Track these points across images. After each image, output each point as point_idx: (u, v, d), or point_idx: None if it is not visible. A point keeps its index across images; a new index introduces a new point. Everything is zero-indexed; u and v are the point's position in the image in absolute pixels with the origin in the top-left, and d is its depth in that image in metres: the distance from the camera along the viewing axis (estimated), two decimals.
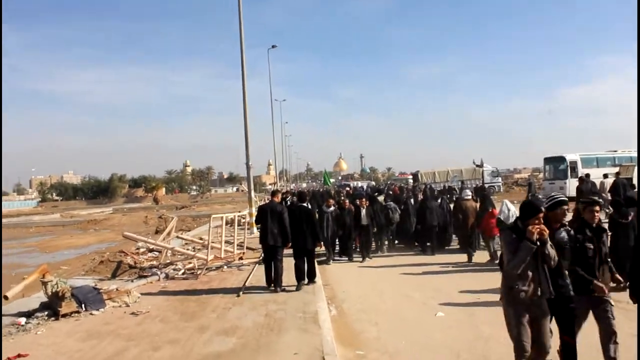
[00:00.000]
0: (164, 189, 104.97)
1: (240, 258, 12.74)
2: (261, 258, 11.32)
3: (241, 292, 8.91)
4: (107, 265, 12.59)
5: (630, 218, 8.05)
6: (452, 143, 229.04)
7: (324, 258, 12.76)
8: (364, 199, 13.61)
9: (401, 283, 10.19)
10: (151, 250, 14.70)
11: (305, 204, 10.40)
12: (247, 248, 14.14)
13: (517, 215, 11.79)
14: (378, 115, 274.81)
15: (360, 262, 12.71)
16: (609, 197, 17.87)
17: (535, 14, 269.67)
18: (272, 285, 9.11)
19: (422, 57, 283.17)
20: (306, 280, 9.40)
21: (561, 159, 31.93)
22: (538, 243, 4.19)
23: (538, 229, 4.18)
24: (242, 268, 11.87)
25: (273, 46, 42.54)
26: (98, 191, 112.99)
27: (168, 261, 12.79)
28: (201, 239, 17.03)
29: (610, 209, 15.56)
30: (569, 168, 30.89)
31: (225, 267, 11.96)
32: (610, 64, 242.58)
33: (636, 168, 29.82)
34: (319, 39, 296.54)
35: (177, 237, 14.48)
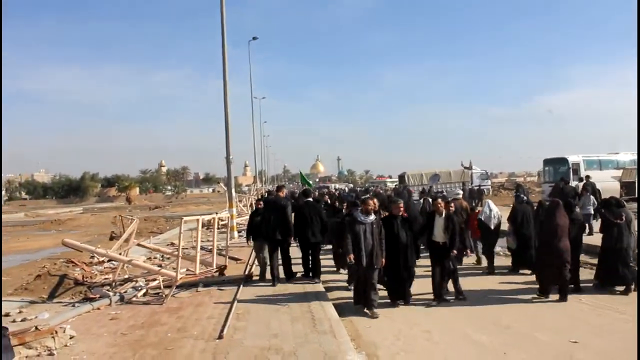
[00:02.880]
0: (137, 189, 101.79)
1: (222, 273, 9.95)
2: (251, 264, 11.03)
3: (224, 332, 6.14)
4: (45, 281, 9.56)
5: (624, 218, 8.20)
6: (426, 147, 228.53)
7: (358, 296, 7.74)
8: (440, 201, 8.37)
9: (437, 310, 7.50)
10: (110, 260, 11.78)
11: (310, 199, 10.17)
12: (230, 258, 11.37)
13: (499, 216, 10.12)
14: (355, 119, 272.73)
15: (435, 304, 7.84)
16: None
17: (516, 22, 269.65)
18: (274, 281, 9.10)
19: (400, 61, 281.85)
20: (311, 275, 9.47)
21: (563, 161, 29.95)
22: None
23: None
24: (223, 287, 9.07)
25: (254, 38, 42.05)
26: (69, 190, 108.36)
27: (126, 276, 9.95)
28: (172, 244, 14.22)
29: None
30: (571, 170, 28.89)
31: (200, 285, 9.17)
32: (587, 73, 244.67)
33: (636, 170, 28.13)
34: (297, 41, 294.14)
35: (139, 244, 11.46)
